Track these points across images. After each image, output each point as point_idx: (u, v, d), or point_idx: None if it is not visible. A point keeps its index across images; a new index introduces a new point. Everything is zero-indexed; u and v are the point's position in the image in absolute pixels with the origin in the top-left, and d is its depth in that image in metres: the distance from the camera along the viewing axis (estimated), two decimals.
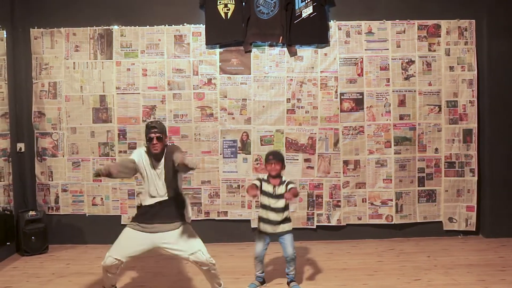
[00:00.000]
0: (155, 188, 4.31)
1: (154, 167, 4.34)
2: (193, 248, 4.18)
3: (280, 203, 4.67)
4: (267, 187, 4.72)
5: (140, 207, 4.43)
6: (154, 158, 4.35)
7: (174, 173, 4.31)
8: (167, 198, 4.30)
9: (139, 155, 4.38)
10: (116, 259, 4.13)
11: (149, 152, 4.37)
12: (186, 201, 4.43)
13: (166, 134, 4.47)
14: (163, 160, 4.33)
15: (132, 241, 4.22)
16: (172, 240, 4.21)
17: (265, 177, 4.79)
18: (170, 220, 4.26)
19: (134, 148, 6.22)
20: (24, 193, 6.48)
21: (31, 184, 6.56)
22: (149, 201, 4.32)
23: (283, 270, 4.92)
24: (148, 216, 4.27)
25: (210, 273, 4.30)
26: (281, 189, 4.68)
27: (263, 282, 4.88)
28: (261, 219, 4.77)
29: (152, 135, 4.28)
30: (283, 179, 4.77)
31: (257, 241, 4.79)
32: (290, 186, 4.69)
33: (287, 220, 4.73)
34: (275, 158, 4.73)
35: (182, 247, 4.20)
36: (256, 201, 6.31)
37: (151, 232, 4.21)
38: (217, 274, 4.36)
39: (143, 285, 4.96)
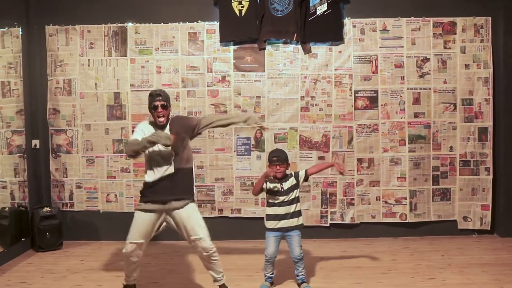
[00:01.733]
0: (161, 161, 4.19)
1: None
2: (199, 234, 4.17)
3: (290, 196, 4.60)
4: (273, 184, 4.63)
5: (146, 185, 4.30)
6: (159, 129, 4.23)
7: (181, 144, 4.25)
8: (173, 171, 4.21)
9: (142, 130, 4.26)
10: (134, 243, 4.15)
11: (153, 123, 4.30)
12: (194, 174, 4.46)
13: (170, 102, 4.41)
14: (167, 130, 4.26)
15: (145, 222, 4.20)
16: (179, 219, 4.20)
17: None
18: (179, 196, 4.22)
19: None
20: (39, 189, 6.53)
21: (46, 181, 6.61)
22: (154, 176, 4.21)
23: (292, 270, 4.84)
24: (156, 193, 4.19)
25: (212, 259, 4.26)
26: (288, 183, 4.62)
27: (272, 283, 4.80)
28: (268, 217, 4.66)
29: (157, 103, 4.20)
30: (287, 173, 4.71)
31: (268, 241, 4.66)
32: (301, 173, 4.73)
33: (298, 213, 4.65)
34: (280, 160, 4.61)
35: (189, 228, 4.18)
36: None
37: (161, 210, 4.21)
38: (218, 262, 4.34)
39: (156, 281, 4.97)
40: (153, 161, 4.21)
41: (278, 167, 4.57)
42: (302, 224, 4.69)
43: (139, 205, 4.30)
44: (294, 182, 4.64)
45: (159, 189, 4.18)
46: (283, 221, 4.58)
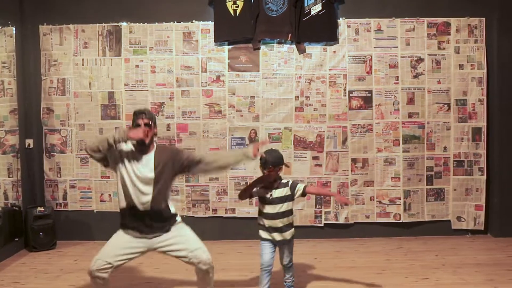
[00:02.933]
0: (136, 190, 3.80)
1: (136, 158, 3.83)
2: (193, 246, 3.85)
3: (281, 207, 4.15)
4: (263, 190, 4.22)
5: (123, 213, 3.91)
6: (139, 149, 3.85)
7: (168, 179, 3.92)
8: (154, 208, 3.82)
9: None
10: (106, 262, 3.72)
11: (135, 144, 3.88)
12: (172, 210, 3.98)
13: (156, 124, 3.99)
14: (151, 157, 3.85)
15: (125, 244, 3.84)
16: (169, 240, 3.87)
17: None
18: (163, 230, 3.88)
19: None
20: (33, 189, 6.51)
21: (40, 180, 6.59)
22: (129, 207, 3.83)
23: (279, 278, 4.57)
24: (137, 228, 3.83)
25: (207, 276, 3.94)
26: (279, 192, 4.17)
27: None
28: (262, 227, 4.25)
29: (140, 121, 3.81)
30: (283, 180, 4.24)
31: (263, 249, 4.25)
32: (299, 186, 4.20)
33: (290, 225, 4.22)
34: (275, 164, 4.16)
35: (181, 246, 3.85)
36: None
37: (146, 239, 3.85)
38: (212, 280, 4.03)
39: (151, 282, 4.97)
40: (131, 187, 3.83)
41: (272, 171, 4.14)
42: (293, 236, 4.27)
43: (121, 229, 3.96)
44: (288, 193, 4.19)
45: (140, 225, 3.84)
46: (274, 234, 4.16)
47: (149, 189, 3.81)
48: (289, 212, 4.19)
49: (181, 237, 3.90)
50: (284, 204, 4.15)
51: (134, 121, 3.87)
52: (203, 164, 3.98)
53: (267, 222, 4.17)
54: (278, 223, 4.14)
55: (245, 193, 4.28)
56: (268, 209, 4.16)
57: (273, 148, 4.40)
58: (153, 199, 3.81)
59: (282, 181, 4.23)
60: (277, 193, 4.17)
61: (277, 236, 4.16)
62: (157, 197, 3.83)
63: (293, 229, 4.25)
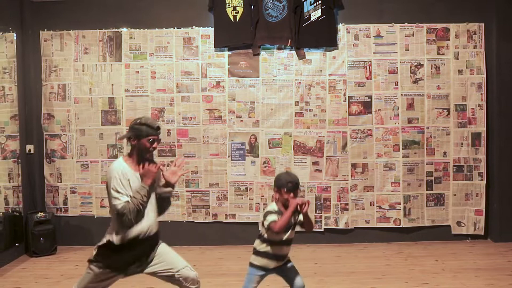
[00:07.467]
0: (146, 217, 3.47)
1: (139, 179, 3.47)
2: (180, 264, 3.60)
3: (292, 232, 3.78)
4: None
5: (112, 246, 3.43)
6: (145, 163, 3.47)
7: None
8: (155, 230, 3.59)
9: (126, 179, 3.39)
10: None
11: (133, 160, 3.50)
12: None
13: None
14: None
15: (107, 281, 3.53)
16: (156, 259, 3.58)
17: (275, 207, 3.74)
18: (153, 249, 3.61)
19: None
20: (33, 194, 6.52)
21: (40, 186, 6.60)
22: (133, 234, 3.42)
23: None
24: (132, 258, 3.49)
25: None
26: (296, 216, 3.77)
27: None
28: (266, 255, 3.77)
29: (155, 137, 3.48)
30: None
31: (248, 280, 3.88)
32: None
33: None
34: (296, 187, 3.72)
35: (169, 264, 3.58)
36: (264, 204, 6.34)
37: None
38: None
39: (152, 286, 4.96)
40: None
41: (292, 194, 3.67)
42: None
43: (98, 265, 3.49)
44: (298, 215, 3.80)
45: (136, 252, 3.49)
46: (282, 261, 3.81)
47: (152, 210, 3.56)
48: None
49: (169, 257, 3.64)
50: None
51: (148, 135, 3.43)
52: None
53: (284, 250, 3.79)
54: (289, 248, 3.84)
55: (283, 225, 3.61)
56: (287, 235, 3.75)
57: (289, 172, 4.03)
58: (155, 221, 3.59)
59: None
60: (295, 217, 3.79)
61: (282, 261, 3.83)
62: (156, 219, 3.62)
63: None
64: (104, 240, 3.49)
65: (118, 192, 3.33)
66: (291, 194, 3.67)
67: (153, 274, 3.64)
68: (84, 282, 3.48)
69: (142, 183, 3.37)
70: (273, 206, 3.76)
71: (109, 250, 3.44)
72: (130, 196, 3.34)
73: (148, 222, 3.47)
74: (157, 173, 3.49)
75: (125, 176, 3.38)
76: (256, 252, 3.84)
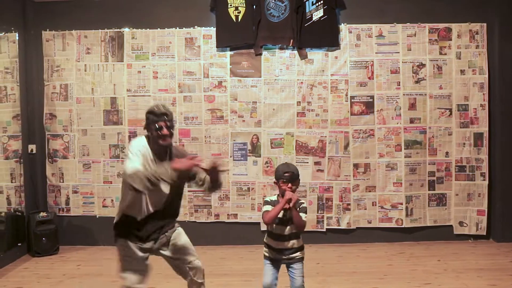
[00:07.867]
0: (159, 198, 3.49)
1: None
2: (194, 256, 3.71)
3: (290, 229, 3.73)
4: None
5: (130, 223, 3.53)
6: (157, 155, 3.45)
7: (181, 185, 3.66)
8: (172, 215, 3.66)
9: (143, 155, 3.36)
10: None
11: (151, 145, 3.44)
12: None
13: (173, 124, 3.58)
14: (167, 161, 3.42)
15: (143, 261, 3.60)
16: (172, 245, 3.66)
17: (274, 198, 3.80)
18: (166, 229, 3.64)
19: None
20: (35, 194, 6.51)
21: (42, 186, 6.60)
22: (146, 215, 3.49)
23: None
24: (152, 237, 3.56)
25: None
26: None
27: None
28: (267, 245, 3.84)
29: (162, 123, 3.36)
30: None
31: (266, 268, 3.84)
32: (302, 205, 3.74)
33: (301, 247, 3.82)
34: (293, 177, 3.70)
35: (185, 254, 3.67)
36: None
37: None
38: None
39: (153, 287, 4.96)
40: (154, 195, 3.45)
41: (290, 184, 3.67)
42: (303, 255, 3.85)
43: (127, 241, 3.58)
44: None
45: (156, 232, 3.58)
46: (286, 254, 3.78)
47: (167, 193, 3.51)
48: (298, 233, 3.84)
49: (187, 241, 3.73)
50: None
51: (153, 122, 3.37)
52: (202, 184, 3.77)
53: (281, 244, 3.79)
54: (289, 244, 3.78)
55: (271, 217, 3.66)
56: (282, 229, 3.75)
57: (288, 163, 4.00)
58: (172, 201, 3.60)
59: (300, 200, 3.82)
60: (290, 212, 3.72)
61: (289, 256, 3.79)
62: (175, 200, 3.65)
63: (304, 250, 3.86)
64: (116, 218, 3.63)
65: (134, 155, 3.31)
66: (289, 185, 3.66)
67: (168, 258, 3.72)
68: (124, 266, 3.58)
69: (171, 169, 3.15)
70: (273, 197, 3.82)
71: (123, 223, 3.57)
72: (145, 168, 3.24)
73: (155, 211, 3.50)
74: (189, 166, 3.27)
75: (143, 154, 3.36)
76: (264, 242, 3.89)
